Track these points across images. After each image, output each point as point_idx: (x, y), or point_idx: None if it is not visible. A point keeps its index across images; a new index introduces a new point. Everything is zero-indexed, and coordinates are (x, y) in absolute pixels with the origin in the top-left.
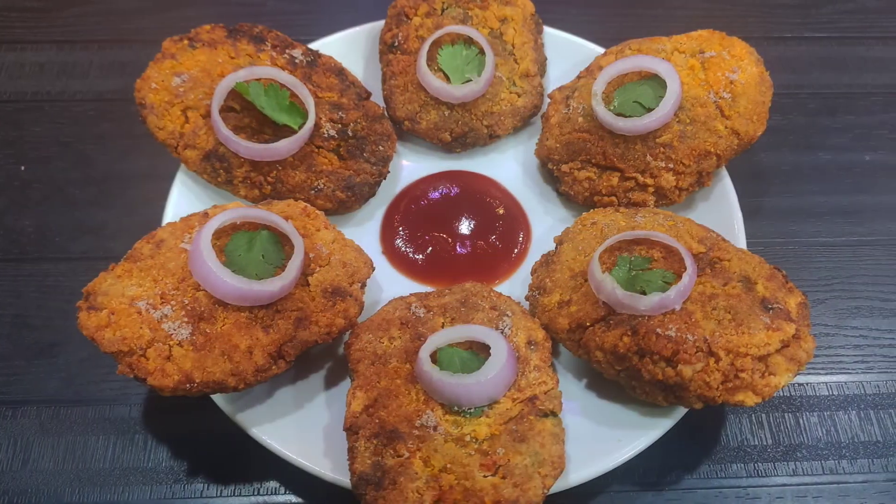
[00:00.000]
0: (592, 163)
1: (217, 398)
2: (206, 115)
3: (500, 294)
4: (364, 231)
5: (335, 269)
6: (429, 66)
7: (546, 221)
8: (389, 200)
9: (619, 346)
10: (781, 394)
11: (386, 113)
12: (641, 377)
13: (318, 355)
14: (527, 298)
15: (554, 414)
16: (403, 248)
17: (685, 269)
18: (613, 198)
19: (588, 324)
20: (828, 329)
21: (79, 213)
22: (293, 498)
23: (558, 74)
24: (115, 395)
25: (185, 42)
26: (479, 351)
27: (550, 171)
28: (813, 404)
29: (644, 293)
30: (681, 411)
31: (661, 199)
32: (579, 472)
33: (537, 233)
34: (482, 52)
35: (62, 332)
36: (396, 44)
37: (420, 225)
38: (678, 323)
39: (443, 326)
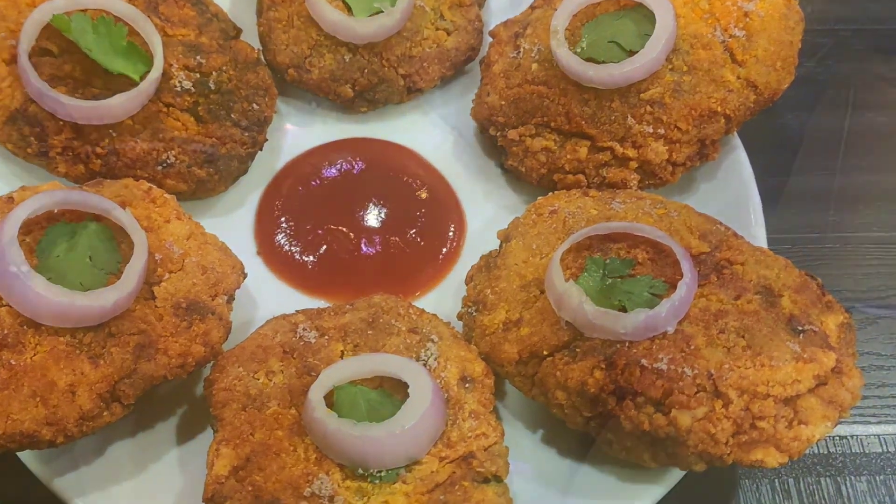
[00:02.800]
0: (551, 127)
1: (27, 456)
2: (12, 62)
3: (423, 311)
4: (233, 223)
5: (191, 277)
6: None
7: (486, 209)
8: (268, 180)
9: (590, 383)
10: (816, 450)
11: (263, 58)
12: (620, 427)
13: (167, 396)
14: (459, 317)
15: (497, 479)
16: (287, 247)
17: (681, 275)
18: (581, 176)
19: (545, 352)
20: (881, 360)
21: None
22: None
23: (503, 4)
24: None
25: None
26: (394, 391)
27: (493, 139)
28: (860, 465)
29: (624, 309)
30: (676, 475)
31: (647, 179)
32: None
33: (474, 226)
34: None
35: None
36: None
37: (311, 215)
38: (672, 351)
39: (342, 356)
